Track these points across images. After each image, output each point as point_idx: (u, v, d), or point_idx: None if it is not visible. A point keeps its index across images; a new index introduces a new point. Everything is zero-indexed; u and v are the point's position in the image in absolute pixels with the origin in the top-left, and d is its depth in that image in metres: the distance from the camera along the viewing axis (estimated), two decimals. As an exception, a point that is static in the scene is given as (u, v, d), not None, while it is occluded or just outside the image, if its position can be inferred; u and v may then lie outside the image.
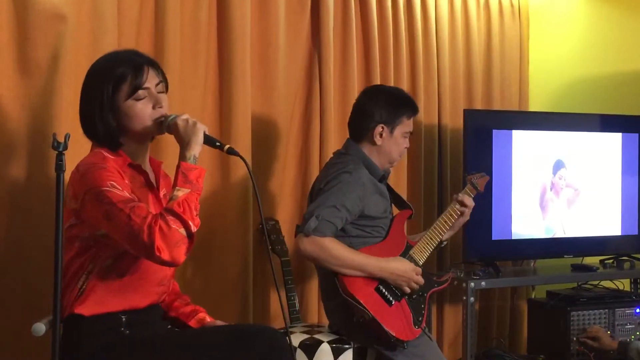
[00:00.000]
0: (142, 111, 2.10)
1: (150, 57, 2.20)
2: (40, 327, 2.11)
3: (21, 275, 2.68)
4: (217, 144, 2.14)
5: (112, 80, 2.09)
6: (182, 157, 2.06)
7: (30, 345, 2.45)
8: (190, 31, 3.16)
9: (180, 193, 1.99)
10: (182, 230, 1.95)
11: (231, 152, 2.14)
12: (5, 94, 2.66)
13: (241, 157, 2.14)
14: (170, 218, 1.94)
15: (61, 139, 1.98)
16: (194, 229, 1.98)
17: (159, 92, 2.14)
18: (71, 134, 2.01)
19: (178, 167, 2.04)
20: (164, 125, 2.12)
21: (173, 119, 2.09)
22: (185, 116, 2.09)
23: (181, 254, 1.96)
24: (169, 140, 2.28)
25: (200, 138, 2.07)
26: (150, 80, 2.13)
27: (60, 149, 1.97)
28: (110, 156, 2.10)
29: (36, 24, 2.68)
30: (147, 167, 2.24)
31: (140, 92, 2.10)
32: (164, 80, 2.19)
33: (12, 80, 2.67)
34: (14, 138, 2.68)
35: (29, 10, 2.67)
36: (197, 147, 2.06)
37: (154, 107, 2.12)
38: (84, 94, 2.16)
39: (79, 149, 2.72)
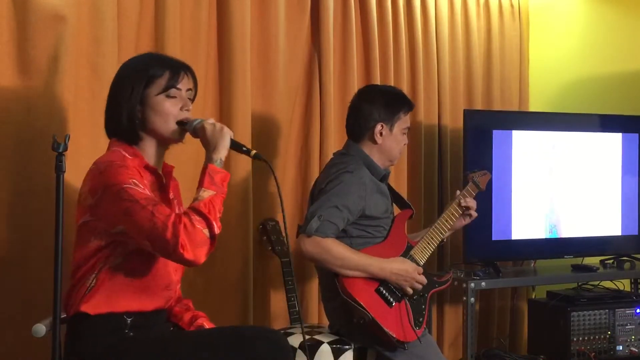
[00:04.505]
0: (169, 109, 2.14)
1: (188, 64, 2.23)
2: (41, 329, 2.11)
3: (22, 276, 2.67)
4: (244, 149, 2.18)
5: (147, 75, 2.13)
6: (209, 159, 2.09)
7: (31, 345, 2.45)
8: (190, 31, 3.15)
9: (206, 194, 2.01)
10: (206, 231, 1.97)
11: (258, 157, 2.17)
12: (5, 94, 2.66)
13: (267, 163, 2.17)
14: (195, 217, 1.96)
15: (61, 140, 1.98)
16: (217, 230, 2.00)
17: (187, 98, 2.20)
18: (71, 134, 2.01)
19: (205, 168, 2.07)
20: (189, 128, 2.15)
21: (200, 123, 2.14)
22: (211, 120, 2.14)
23: (203, 255, 1.98)
24: (175, 147, 2.29)
25: (227, 142, 2.11)
26: (184, 84, 2.18)
27: (60, 150, 1.97)
28: (128, 156, 2.11)
29: (36, 25, 2.67)
30: (161, 172, 2.25)
31: (173, 90, 2.15)
32: (195, 89, 2.24)
33: (12, 81, 2.67)
34: (14, 138, 2.67)
35: (29, 10, 2.66)
36: (223, 151, 2.10)
37: (181, 109, 2.16)
38: (115, 84, 2.18)
39: (79, 149, 2.74)
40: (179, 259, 1.96)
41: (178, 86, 2.15)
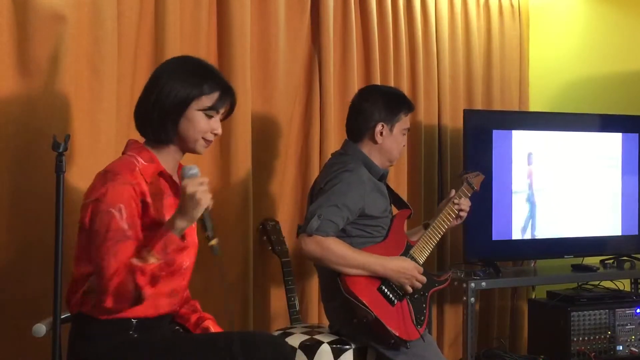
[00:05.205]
0: (202, 127, 2.16)
1: (233, 88, 2.24)
2: (41, 328, 2.11)
3: (22, 276, 2.67)
4: (207, 233, 2.08)
5: (199, 88, 2.13)
6: (172, 224, 2.02)
7: (31, 345, 2.45)
8: (190, 31, 3.15)
9: (153, 260, 1.99)
10: (135, 293, 2.00)
11: (213, 250, 2.08)
12: (5, 94, 2.66)
13: (218, 256, 2.10)
14: (130, 278, 1.97)
15: (61, 140, 1.98)
16: (145, 297, 2.01)
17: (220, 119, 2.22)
18: (71, 134, 2.01)
19: (163, 233, 2.01)
20: (180, 174, 2.12)
21: (188, 179, 2.02)
22: (200, 180, 2.02)
23: (124, 307, 2.04)
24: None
25: (195, 216, 2.03)
26: (224, 108, 2.21)
27: (60, 150, 1.98)
28: (143, 162, 2.11)
29: (36, 25, 2.67)
30: (175, 175, 2.24)
31: (213, 112, 2.16)
32: (227, 113, 2.25)
33: (12, 80, 2.67)
34: (14, 138, 2.67)
35: (29, 10, 2.66)
36: (189, 223, 2.04)
37: (211, 131, 2.18)
38: (162, 79, 2.15)
39: (79, 149, 2.73)
40: (100, 302, 2.01)
41: (219, 110, 2.18)
